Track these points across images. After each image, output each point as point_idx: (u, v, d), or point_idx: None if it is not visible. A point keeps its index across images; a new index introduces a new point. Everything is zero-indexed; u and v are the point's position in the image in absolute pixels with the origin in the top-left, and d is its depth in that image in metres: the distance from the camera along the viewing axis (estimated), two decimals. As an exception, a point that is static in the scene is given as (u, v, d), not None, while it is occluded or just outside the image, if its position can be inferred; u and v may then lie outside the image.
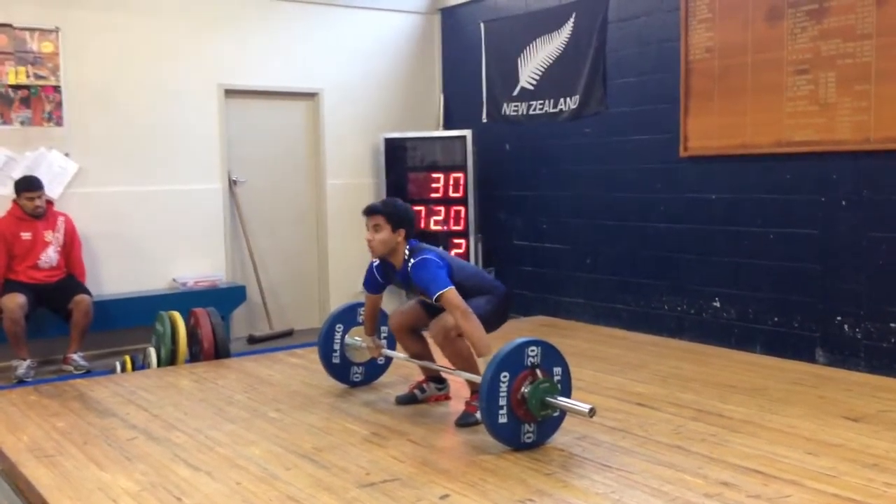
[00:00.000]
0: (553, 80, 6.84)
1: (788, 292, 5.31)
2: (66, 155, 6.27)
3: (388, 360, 4.71)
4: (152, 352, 5.40)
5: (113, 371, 5.37)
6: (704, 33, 5.65)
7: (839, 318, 5.04)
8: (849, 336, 5.00)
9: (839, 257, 5.05)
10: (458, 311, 3.76)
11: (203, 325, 5.47)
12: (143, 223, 6.63)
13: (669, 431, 3.79)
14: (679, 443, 3.63)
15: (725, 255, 5.66)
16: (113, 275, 6.48)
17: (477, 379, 3.71)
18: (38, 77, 6.17)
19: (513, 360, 3.53)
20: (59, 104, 6.23)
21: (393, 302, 4.36)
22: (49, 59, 6.20)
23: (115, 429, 4.00)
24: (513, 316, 7.11)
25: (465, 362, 3.94)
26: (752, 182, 5.49)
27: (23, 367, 5.63)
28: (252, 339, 6.91)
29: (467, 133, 7.26)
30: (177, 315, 5.44)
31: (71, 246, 6.07)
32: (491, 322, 4.04)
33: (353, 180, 7.64)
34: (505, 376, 3.50)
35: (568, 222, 6.83)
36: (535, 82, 7.02)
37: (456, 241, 7.33)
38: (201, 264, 6.84)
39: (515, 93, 7.18)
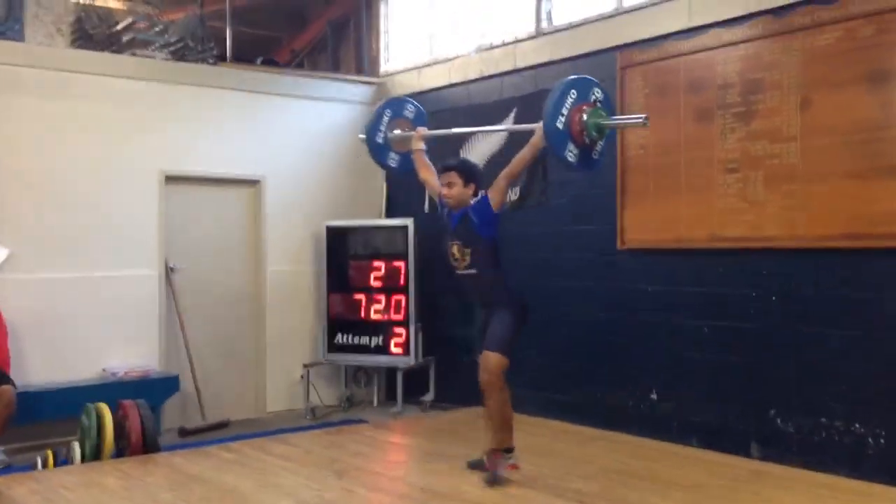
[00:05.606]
0: (495, 172, 6.91)
1: (723, 386, 5.36)
2: (-3, 240, 6.13)
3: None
4: (76, 446, 5.18)
5: (34, 467, 5.12)
6: (639, 131, 5.82)
7: (772, 411, 5.09)
8: (782, 430, 5.04)
9: (771, 352, 5.13)
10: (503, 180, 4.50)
11: (131, 418, 5.27)
12: (75, 311, 6.45)
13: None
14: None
15: (662, 347, 5.71)
16: (40, 364, 6.25)
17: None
18: (-29, 161, 6.06)
19: (582, 87, 4.12)
20: (-9, 189, 6.11)
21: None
22: (-17, 143, 6.11)
23: (31, 533, 3.80)
24: (450, 407, 7.06)
25: (503, 423, 4.28)
26: (686, 275, 5.59)
27: (-63, 462, 5.35)
28: (184, 432, 6.68)
29: (409, 222, 7.30)
30: (104, 407, 5.25)
31: (-4, 334, 5.87)
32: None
33: (294, 267, 7.59)
34: (573, 94, 4.05)
35: (509, 312, 6.83)
36: (476, 174, 7.11)
37: (396, 329, 7.28)
38: (134, 353, 6.66)
39: (457, 183, 7.25)
